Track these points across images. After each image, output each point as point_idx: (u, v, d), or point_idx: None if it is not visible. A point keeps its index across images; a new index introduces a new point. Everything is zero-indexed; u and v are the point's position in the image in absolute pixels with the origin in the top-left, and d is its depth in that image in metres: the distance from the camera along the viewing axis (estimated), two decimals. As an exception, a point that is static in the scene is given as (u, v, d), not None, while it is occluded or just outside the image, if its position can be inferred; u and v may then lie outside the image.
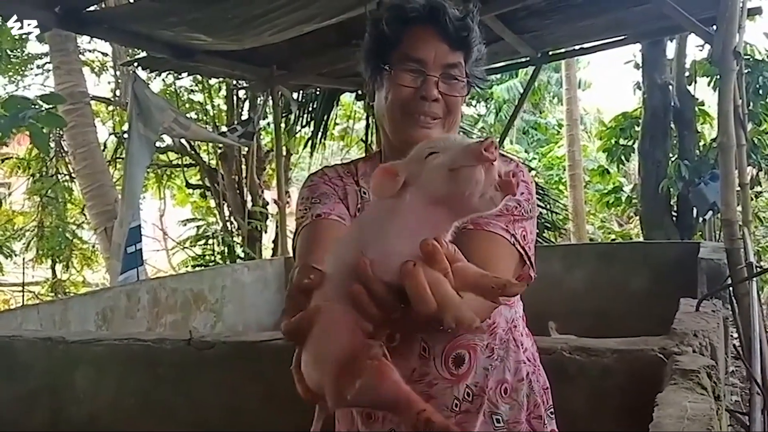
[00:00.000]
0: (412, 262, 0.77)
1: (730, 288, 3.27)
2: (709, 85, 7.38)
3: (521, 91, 18.19)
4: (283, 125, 8.36)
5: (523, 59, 6.24)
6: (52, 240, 11.77)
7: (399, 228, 0.81)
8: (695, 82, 7.49)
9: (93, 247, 11.66)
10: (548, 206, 8.97)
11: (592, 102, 20.94)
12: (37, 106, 3.69)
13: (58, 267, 12.64)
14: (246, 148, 9.35)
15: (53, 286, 12.24)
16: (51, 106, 3.84)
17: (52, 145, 11.42)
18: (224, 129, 7.64)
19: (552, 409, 1.49)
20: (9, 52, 10.04)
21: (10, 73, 10.73)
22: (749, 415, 2.05)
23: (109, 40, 7.27)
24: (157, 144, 10.17)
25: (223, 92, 10.33)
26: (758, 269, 3.55)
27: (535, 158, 17.31)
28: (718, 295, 3.09)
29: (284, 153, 9.52)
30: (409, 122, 1.34)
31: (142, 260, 4.94)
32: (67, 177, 10.92)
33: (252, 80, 6.30)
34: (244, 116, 9.14)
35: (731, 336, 3.72)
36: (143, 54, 5.29)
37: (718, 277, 3.43)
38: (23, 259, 11.50)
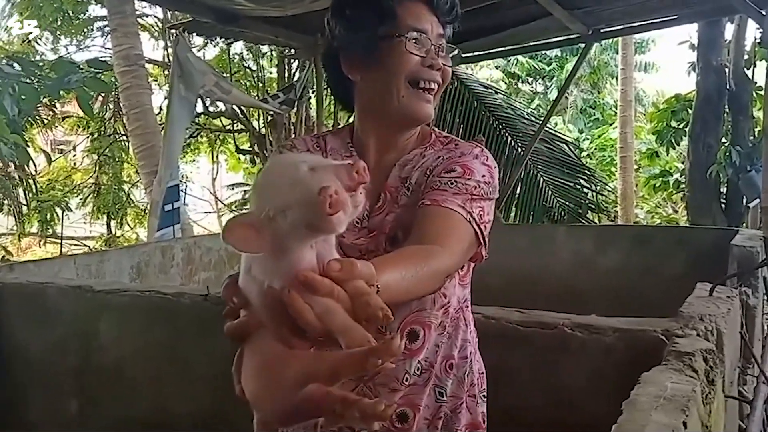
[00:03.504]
0: (287, 289, 0.81)
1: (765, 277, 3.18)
2: (768, 68, 7.09)
3: (586, 70, 17.84)
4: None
5: (574, 36, 6.10)
6: (107, 197, 12.17)
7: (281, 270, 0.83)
8: (754, 66, 7.18)
9: (145, 205, 12.02)
10: (595, 187, 8.83)
11: (654, 83, 20.35)
12: (82, 71, 3.82)
13: (113, 223, 13.09)
14: (295, 116, 9.45)
15: (108, 241, 12.69)
16: (96, 71, 3.97)
17: (111, 105, 11.78)
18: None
19: (485, 393, 1.52)
20: (71, 14, 10.35)
21: (73, 33, 11.05)
22: (751, 403, 2.02)
23: (155, 3, 7.39)
24: (210, 109, 10.42)
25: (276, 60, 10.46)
26: (791, 259, 3.44)
27: (587, 139, 16.98)
28: (748, 283, 3.01)
29: (331, 122, 9.58)
30: (414, 97, 1.36)
31: (179, 218, 5.08)
32: (124, 137, 11.24)
33: (297, 48, 6.33)
34: (295, 85, 9.21)
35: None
36: (190, 18, 5.37)
37: (750, 264, 3.34)
38: (63, 215, 11.86)
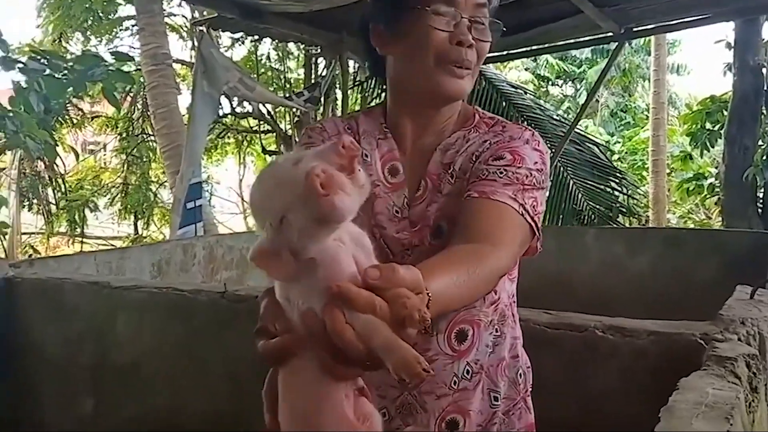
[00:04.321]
0: (330, 306, 0.71)
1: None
2: (809, 69, 6.89)
3: (617, 73, 17.60)
4: (359, 95, 8.35)
5: (605, 35, 5.96)
6: (135, 197, 12.28)
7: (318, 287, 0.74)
8: (792, 66, 7.00)
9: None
10: (626, 191, 8.66)
11: (686, 86, 20.05)
12: (107, 64, 3.81)
13: (140, 223, 13.21)
14: (321, 116, 9.42)
15: (134, 241, 12.79)
16: (120, 63, 3.95)
17: (139, 105, 11.89)
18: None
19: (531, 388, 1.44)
20: (101, 14, 10.46)
21: (102, 33, 11.15)
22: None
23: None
24: (237, 110, 10.44)
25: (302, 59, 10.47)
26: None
27: (618, 142, 16.74)
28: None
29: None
30: (444, 72, 1.22)
31: (201, 216, 5.03)
32: (152, 137, 11.32)
33: (322, 45, 6.28)
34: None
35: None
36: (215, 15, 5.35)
37: (790, 268, 3.19)
38: (84, 214, 11.93)
